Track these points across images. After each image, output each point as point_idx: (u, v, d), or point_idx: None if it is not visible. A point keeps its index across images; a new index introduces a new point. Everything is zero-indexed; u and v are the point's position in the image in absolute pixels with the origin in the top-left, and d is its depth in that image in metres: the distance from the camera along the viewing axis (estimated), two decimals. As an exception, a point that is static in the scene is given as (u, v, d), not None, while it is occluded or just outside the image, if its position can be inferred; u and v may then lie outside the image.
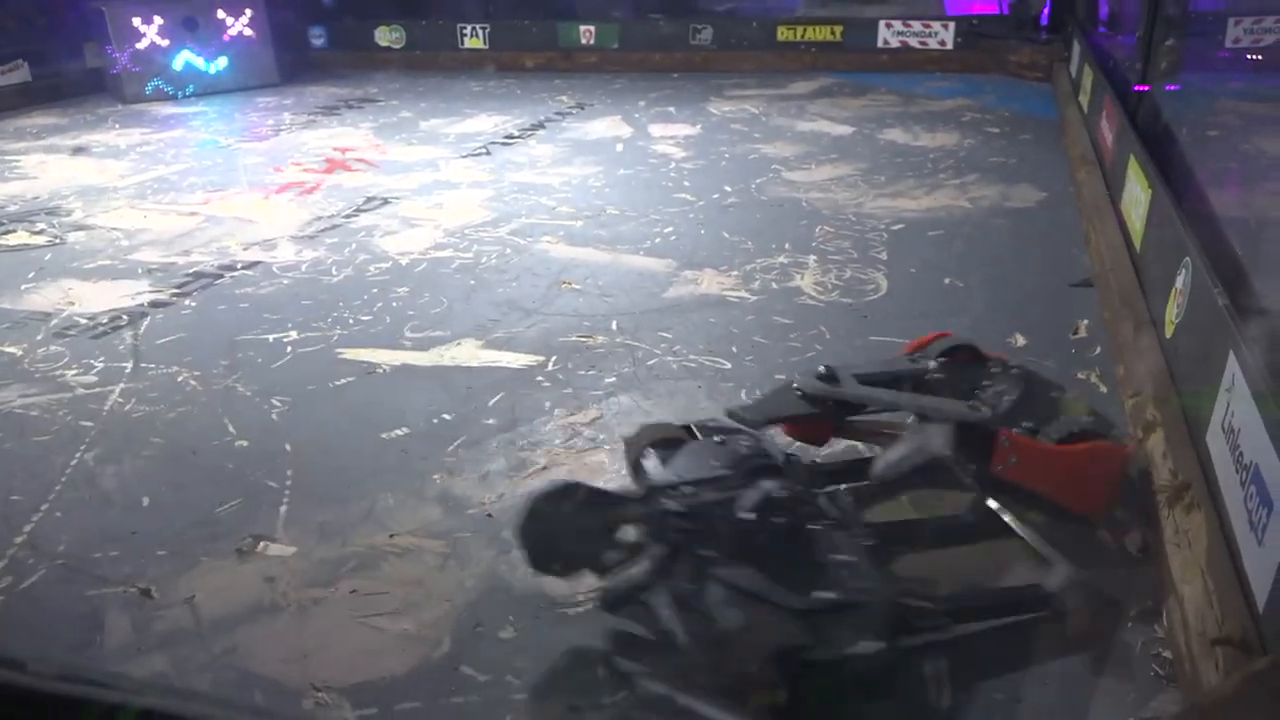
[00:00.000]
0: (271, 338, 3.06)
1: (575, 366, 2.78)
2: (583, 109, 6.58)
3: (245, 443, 2.44)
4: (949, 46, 7.29)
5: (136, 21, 7.44)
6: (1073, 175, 4.35)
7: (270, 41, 8.01)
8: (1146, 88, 3.72)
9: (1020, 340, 2.83)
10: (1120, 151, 3.57)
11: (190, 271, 3.69)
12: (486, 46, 8.48)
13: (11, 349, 3.05)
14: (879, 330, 2.93)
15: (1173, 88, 3.64)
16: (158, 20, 7.51)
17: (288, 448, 2.40)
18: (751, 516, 1.66)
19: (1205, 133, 3.47)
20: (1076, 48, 5.98)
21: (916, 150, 5.08)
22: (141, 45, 7.47)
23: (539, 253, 3.77)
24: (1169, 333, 2.32)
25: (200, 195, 4.74)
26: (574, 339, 2.97)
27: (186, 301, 3.40)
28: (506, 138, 5.78)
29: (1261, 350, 1.71)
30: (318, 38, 8.92)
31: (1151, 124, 3.50)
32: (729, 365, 2.75)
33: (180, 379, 2.80)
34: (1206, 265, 2.13)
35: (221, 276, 3.63)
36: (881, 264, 3.47)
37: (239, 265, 3.74)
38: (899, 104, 6.30)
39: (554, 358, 2.84)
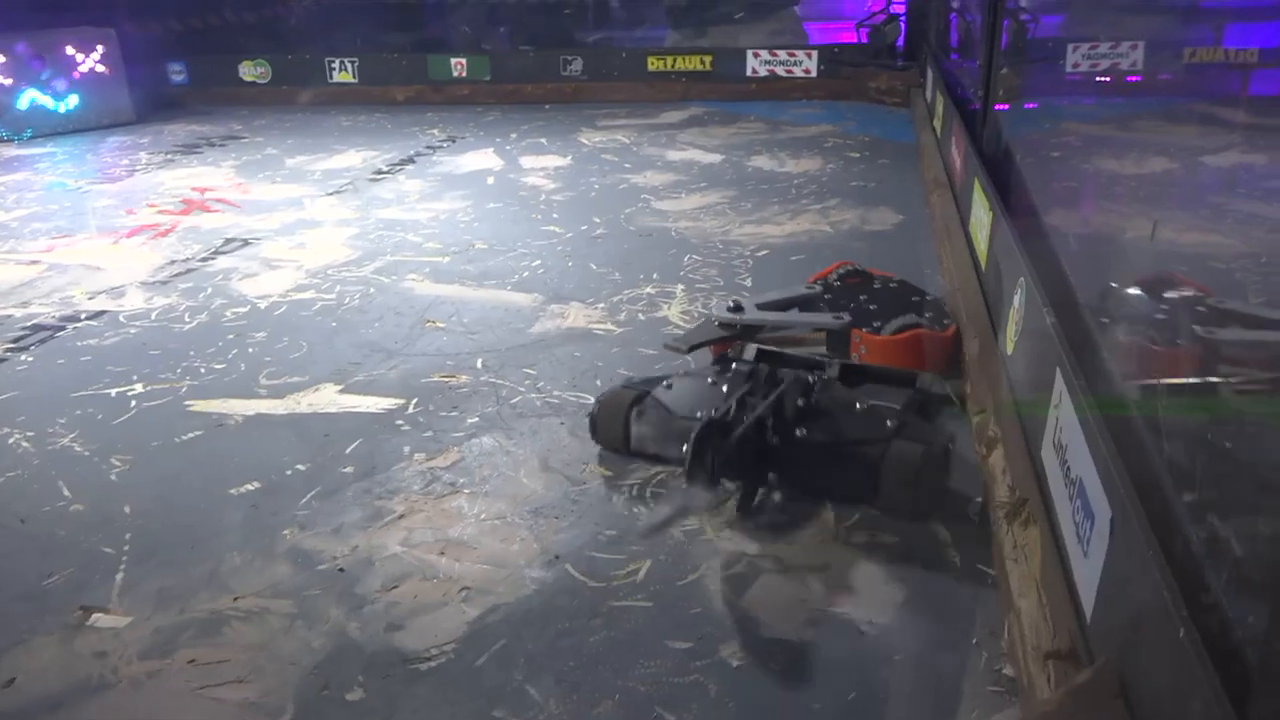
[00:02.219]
0: (114, 392, 2.91)
1: (437, 408, 2.72)
2: (454, 142, 6.52)
3: (80, 507, 2.30)
4: (813, 74, 7.50)
5: (-25, 59, 7.07)
6: (927, 198, 4.51)
7: (125, 78, 7.71)
8: (988, 109, 3.88)
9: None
10: (967, 175, 3.72)
11: (28, 325, 3.49)
12: (356, 80, 8.34)
13: None
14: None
15: (1000, 107, 3.81)
16: (-1, 58, 7.15)
17: (127, 510, 2.28)
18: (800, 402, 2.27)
19: (1043, 154, 3.64)
20: (930, 74, 6.23)
21: (782, 176, 5.20)
22: (-19, 84, 7.10)
23: (404, 291, 3.70)
24: (1009, 349, 2.41)
25: (43, 242, 4.50)
26: (436, 379, 2.91)
27: (22, 357, 3.20)
28: (375, 173, 5.68)
29: (1083, 368, 1.78)
30: (177, 73, 8.63)
31: (994, 147, 3.66)
32: (592, 400, 2.74)
33: (11, 441, 2.63)
34: (1037, 284, 2.23)
35: (63, 328, 3.44)
36: (746, 291, 3.52)
37: (83, 316, 3.56)
38: (766, 131, 6.44)
39: (415, 400, 2.77)
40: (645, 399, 2.40)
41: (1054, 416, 1.86)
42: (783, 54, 7.56)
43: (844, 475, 2.16)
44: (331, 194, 5.23)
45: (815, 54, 7.49)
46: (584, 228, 4.40)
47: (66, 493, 2.36)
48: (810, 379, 2.42)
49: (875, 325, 2.76)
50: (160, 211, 4.98)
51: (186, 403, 2.82)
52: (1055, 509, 1.77)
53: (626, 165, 5.62)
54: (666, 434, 2.32)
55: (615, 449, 2.41)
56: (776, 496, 2.22)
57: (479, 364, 3.01)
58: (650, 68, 7.83)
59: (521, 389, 2.82)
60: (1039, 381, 2.01)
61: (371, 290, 3.71)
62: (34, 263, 4.20)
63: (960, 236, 3.53)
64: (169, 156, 6.38)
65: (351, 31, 8.48)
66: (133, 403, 2.84)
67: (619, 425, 2.39)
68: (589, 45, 8.38)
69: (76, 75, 7.45)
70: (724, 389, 2.37)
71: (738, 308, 2.84)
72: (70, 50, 7.43)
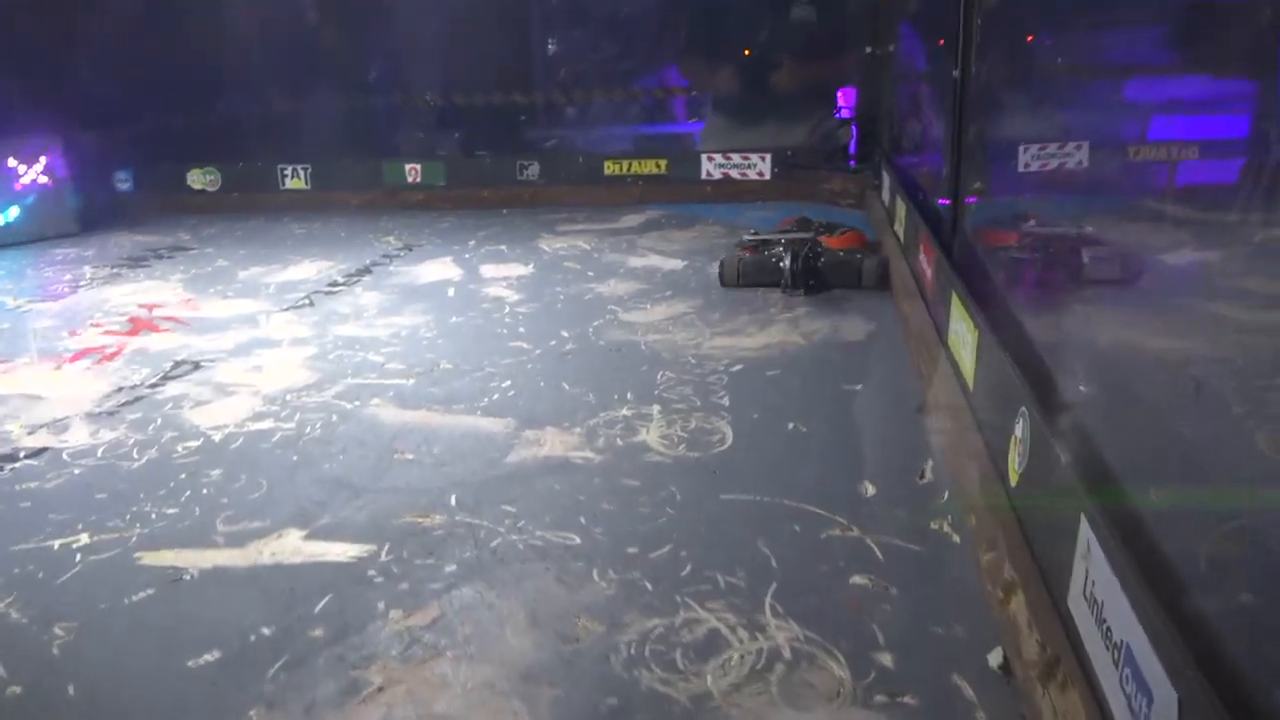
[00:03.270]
0: (57, 544, 2.69)
1: (411, 555, 2.55)
2: (411, 250, 6.43)
3: (18, 689, 2.07)
4: (767, 177, 7.59)
5: (-92, 173, 6.86)
6: (897, 306, 4.49)
7: (69, 188, 7.53)
8: (958, 219, 3.89)
9: (870, 489, 2.79)
10: (940, 287, 3.69)
11: (-38, 466, 3.26)
12: (308, 186, 8.26)
13: None
14: (729, 487, 2.84)
15: (971, 202, 3.82)
16: (-63, 171, 6.95)
17: (71, 690, 2.06)
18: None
19: (1016, 259, 3.64)
20: (886, 178, 6.32)
21: (747, 283, 5.16)
22: (-83, 198, 6.88)
23: (368, 418, 3.54)
24: (1014, 481, 2.32)
25: (-20, 369, 4.27)
26: (408, 520, 2.74)
27: (-46, 505, 2.97)
28: (331, 285, 5.55)
29: (1116, 519, 1.69)
30: (123, 181, 8.47)
31: (968, 260, 3.64)
32: (578, 540, 2.59)
33: (-60, 608, 2.40)
34: (1043, 417, 2.15)
35: (0, 470, 3.22)
36: (725, 411, 3.42)
37: (21, 454, 3.33)
38: (725, 235, 6.45)
39: (387, 545, 2.60)
40: (741, 260, 5.05)
41: (1082, 567, 1.76)
42: (736, 157, 7.64)
43: (844, 276, 4.87)
44: (287, 309, 5.07)
45: (769, 157, 7.58)
46: (552, 343, 4.30)
47: (2, 672, 2.13)
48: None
49: (828, 233, 5.35)
50: (105, 332, 4.78)
51: (136, 555, 2.61)
52: (1095, 671, 1.66)
53: (589, 273, 5.56)
54: (761, 270, 4.93)
55: (735, 285, 4.99)
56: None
57: (453, 500, 2.84)
58: (606, 171, 7.87)
59: (501, 529, 2.66)
60: (1058, 526, 1.92)
61: (334, 418, 3.54)
62: (-31, 393, 3.97)
63: (940, 350, 3.48)
64: (114, 270, 6.19)
65: (304, 138, 8.41)
66: (77, 556, 2.62)
67: (734, 273, 5.01)
68: (544, 150, 8.41)
69: (18, 187, 7.26)
70: (780, 252, 4.95)
71: (756, 234, 5.49)
72: (12, 163, 7.24)
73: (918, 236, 4.49)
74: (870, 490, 2.79)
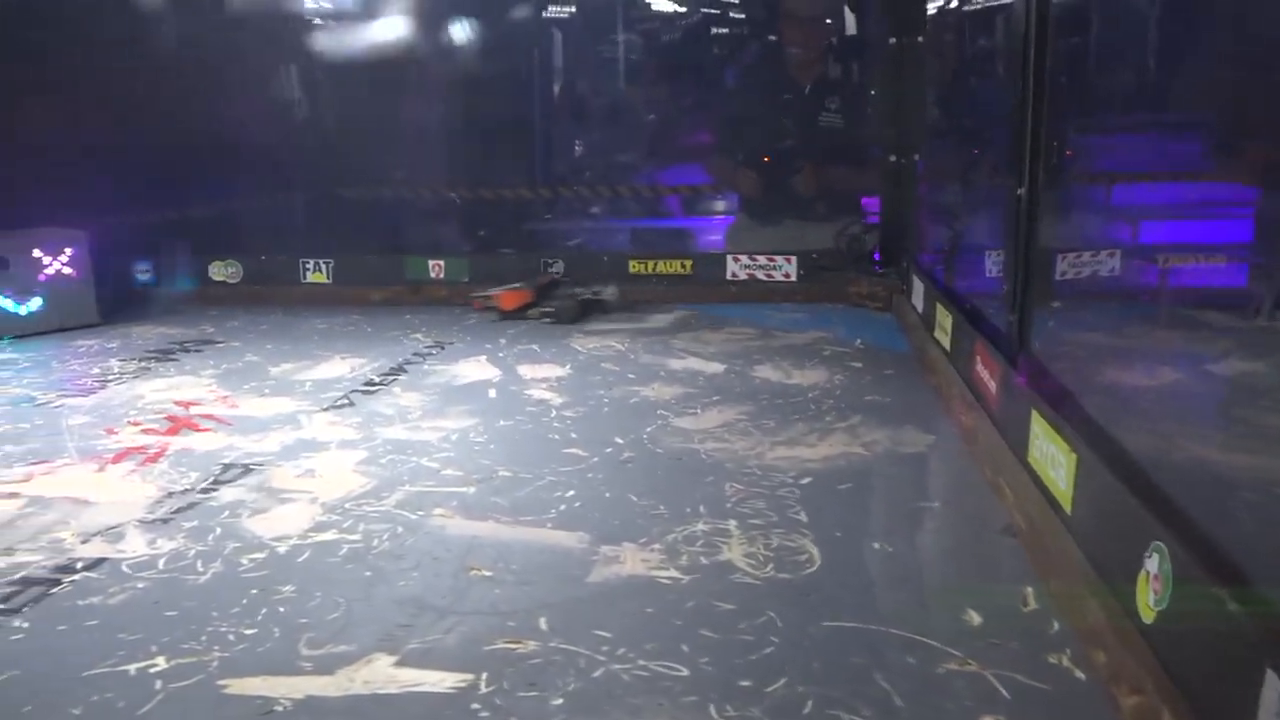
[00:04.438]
0: (133, 669, 2.55)
1: (512, 685, 2.43)
2: (442, 348, 6.38)
3: (118, 838, 1.94)
4: (793, 278, 7.64)
5: (-68, 264, 6.80)
6: (955, 418, 4.47)
7: (92, 279, 7.49)
8: (1024, 336, 3.89)
9: (975, 618, 2.71)
10: (1012, 403, 3.67)
11: (16, 578, 3.11)
12: (330, 280, 8.25)
13: None
14: (829, 613, 2.75)
15: (1051, 342, 3.83)
16: (-38, 260, 6.90)
17: (177, 841, 1.92)
18: None
19: (1106, 377, 3.64)
20: (917, 283, 6.37)
21: (793, 389, 5.14)
22: (-59, 287, 6.81)
23: (435, 530, 3.44)
24: (1148, 619, 2.25)
25: (19, 470, 4.14)
26: (501, 646, 2.63)
27: (15, 623, 2.83)
28: (367, 384, 5.48)
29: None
30: (144, 272, 8.44)
31: (1042, 380, 3.63)
32: (685, 671, 2.48)
33: (19, 742, 2.26)
34: (1189, 553, 2.10)
35: (58, 582, 3.08)
36: (804, 528, 3.34)
37: (79, 565, 3.20)
38: (758, 337, 6.46)
39: (485, 674, 2.48)
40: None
41: (1269, 722, 1.69)
42: (762, 259, 7.71)
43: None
44: (327, 409, 4.99)
45: (795, 259, 7.65)
46: (608, 450, 4.23)
47: (99, 818, 1.99)
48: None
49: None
50: (144, 430, 4.67)
51: (221, 682, 2.49)
52: (1302, 840, 1.57)
53: (630, 375, 5.52)
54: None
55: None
56: None
57: (543, 624, 2.74)
58: (631, 270, 7.91)
59: (600, 658, 2.55)
60: (1221, 672, 1.85)
61: (399, 529, 3.44)
62: (12, 495, 3.83)
63: (1018, 468, 3.43)
64: (143, 364, 6.10)
65: (326, 232, 8.45)
66: (157, 684, 2.48)
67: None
68: (569, 248, 8.47)
69: (42, 278, 7.21)
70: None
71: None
72: (37, 253, 7.21)
73: (972, 348, 4.49)
74: (976, 619, 2.71)
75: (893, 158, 7.49)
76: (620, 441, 4.35)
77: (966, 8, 8.10)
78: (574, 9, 9.91)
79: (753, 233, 8.25)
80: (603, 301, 7.26)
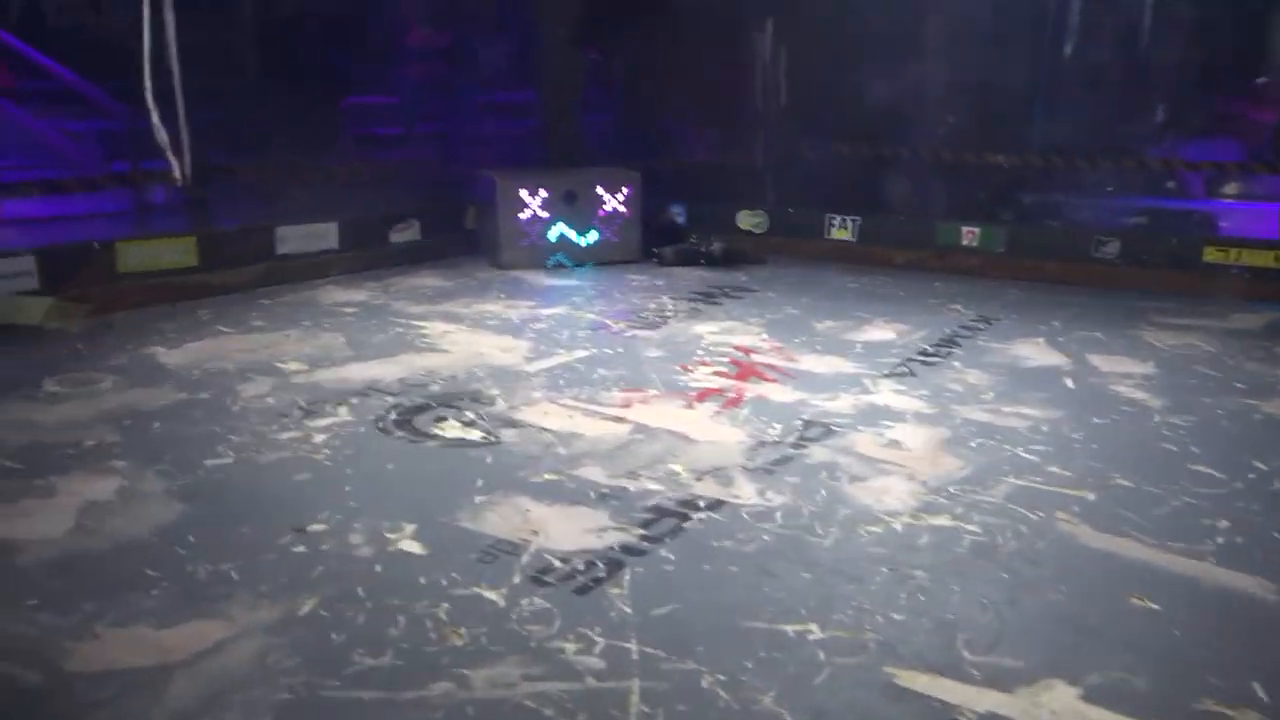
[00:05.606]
0: (791, 631, 2.49)
1: (1251, 767, 2.00)
2: (989, 324, 5.90)
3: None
4: None
5: (524, 193, 7.64)
6: None
7: (639, 218, 8.01)
8: None
9: None
10: None
11: (648, 505, 3.25)
12: (854, 239, 8.10)
13: (491, 594, 2.66)
14: None
15: None
16: (542, 193, 7.69)
17: None
18: None
19: None
20: None
21: None
22: (524, 215, 7.65)
23: (1063, 537, 3.05)
24: None
25: (616, 394, 4.41)
26: (1212, 707, 2.19)
27: (661, 552, 2.92)
28: (922, 355, 5.19)
29: None
30: (677, 215, 8.90)
31: None
32: None
33: (704, 683, 2.26)
34: None
35: (686, 517, 3.16)
36: None
37: (700, 503, 3.27)
38: (1401, 358, 5.19)
39: (1206, 741, 2.07)
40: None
41: None
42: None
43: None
44: (888, 375, 4.78)
45: None
46: (1251, 476, 3.54)
47: (812, 798, 1.90)
48: None
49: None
50: (715, 372, 4.79)
51: (887, 670, 2.33)
52: None
53: (1237, 385, 4.67)
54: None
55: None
56: None
57: (1259, 692, 2.25)
58: (1206, 257, 6.81)
59: (1362, 759, 2.02)
60: None
61: (1022, 529, 3.10)
62: (618, 419, 4.08)
63: None
64: (692, 304, 6.36)
65: (857, 190, 8.29)
66: (820, 654, 2.39)
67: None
68: (1128, 226, 7.53)
69: (601, 213, 7.84)
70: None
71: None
72: (599, 190, 7.84)
73: None
74: None
75: None
76: (1263, 467, 3.63)
77: None
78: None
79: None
80: (709, 253, 7.79)
